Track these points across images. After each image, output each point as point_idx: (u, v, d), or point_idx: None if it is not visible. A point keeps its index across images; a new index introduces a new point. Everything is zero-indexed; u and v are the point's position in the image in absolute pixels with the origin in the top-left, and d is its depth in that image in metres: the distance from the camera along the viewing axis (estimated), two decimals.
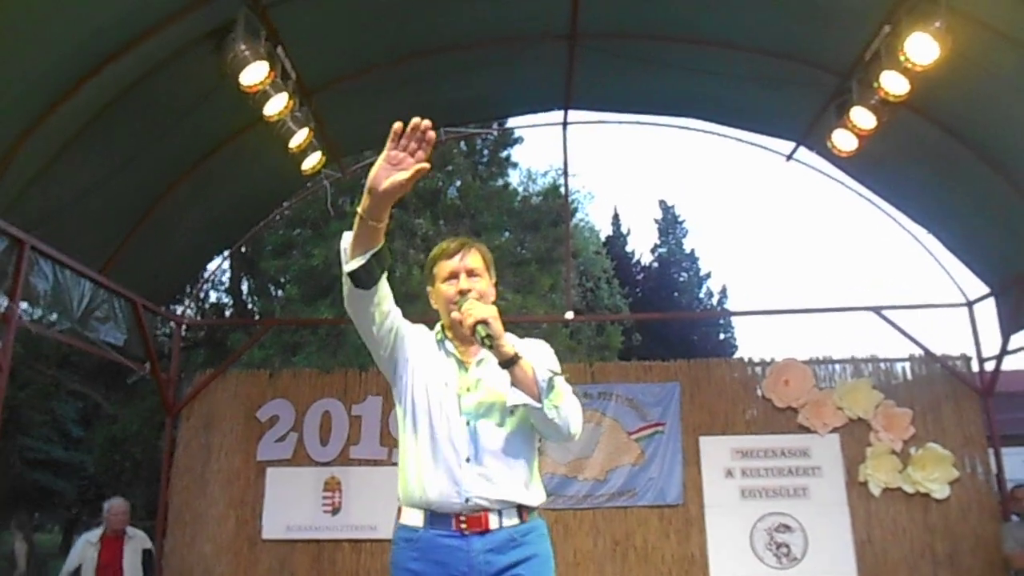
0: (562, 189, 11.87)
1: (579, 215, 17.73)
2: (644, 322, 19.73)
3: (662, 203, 28.88)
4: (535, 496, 2.14)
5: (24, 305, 7.77)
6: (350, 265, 1.95)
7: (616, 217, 27.53)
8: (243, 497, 6.70)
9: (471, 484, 2.03)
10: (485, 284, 2.22)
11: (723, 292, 27.53)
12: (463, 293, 2.16)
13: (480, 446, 2.07)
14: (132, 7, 4.27)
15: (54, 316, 5.76)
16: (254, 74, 4.66)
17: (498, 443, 2.08)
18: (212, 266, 9.00)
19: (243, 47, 4.54)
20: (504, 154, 13.79)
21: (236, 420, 6.89)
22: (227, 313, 14.86)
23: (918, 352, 6.83)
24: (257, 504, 6.66)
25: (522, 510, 2.09)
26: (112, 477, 15.31)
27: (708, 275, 27.71)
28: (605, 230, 25.40)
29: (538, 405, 2.00)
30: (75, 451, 18.43)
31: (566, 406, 2.04)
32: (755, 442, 6.61)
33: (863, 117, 5.35)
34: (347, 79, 5.92)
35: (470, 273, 2.20)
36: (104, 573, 5.68)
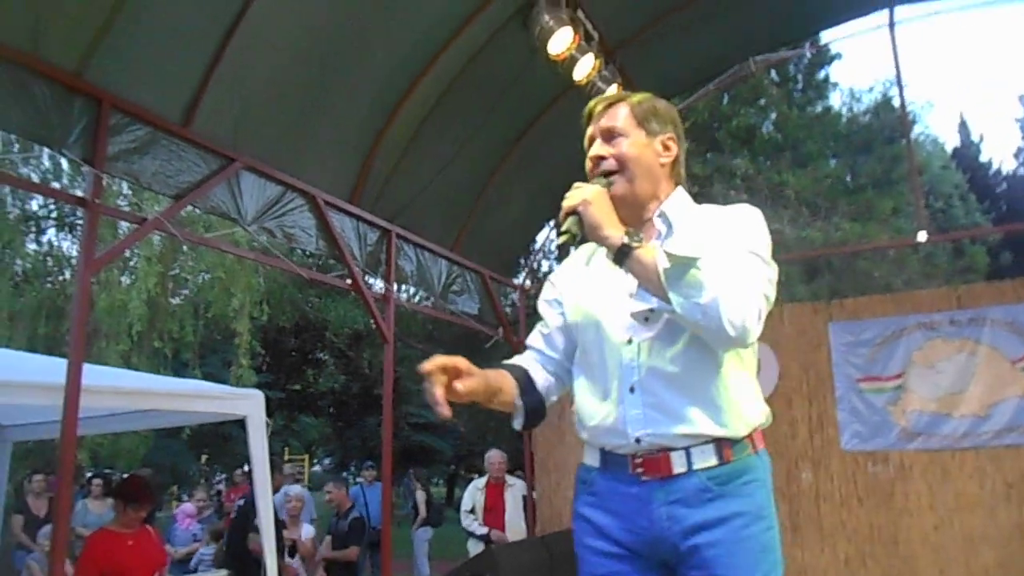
0: (895, 101, 10.68)
1: (917, 128, 15.77)
2: (1015, 238, 16.99)
3: (1022, 99, 24.58)
4: (739, 423, 1.59)
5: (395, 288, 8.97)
6: (517, 423, 1.81)
7: (963, 124, 24.09)
8: None
9: (639, 419, 1.59)
10: (630, 145, 1.69)
11: None
12: (596, 163, 1.71)
13: (647, 368, 1.60)
14: (448, 3, 4.68)
15: (418, 294, 6.57)
16: (560, 41, 4.85)
17: (670, 361, 1.59)
18: (541, 237, 9.58)
19: (547, 18, 4.76)
20: (821, 75, 12.74)
21: None
22: None
23: None
24: None
25: (723, 446, 1.57)
26: (480, 436, 17.21)
27: None
28: (952, 141, 22.35)
29: (668, 306, 1.50)
30: None
31: (710, 294, 1.44)
32: None
33: None
34: (647, 28, 5.89)
35: (608, 135, 1.72)
36: (491, 514, 6.51)
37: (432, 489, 22.81)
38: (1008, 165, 23.83)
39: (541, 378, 1.80)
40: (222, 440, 17.66)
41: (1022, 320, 5.85)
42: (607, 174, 1.69)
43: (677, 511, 1.56)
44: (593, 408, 1.67)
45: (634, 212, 1.69)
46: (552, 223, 8.79)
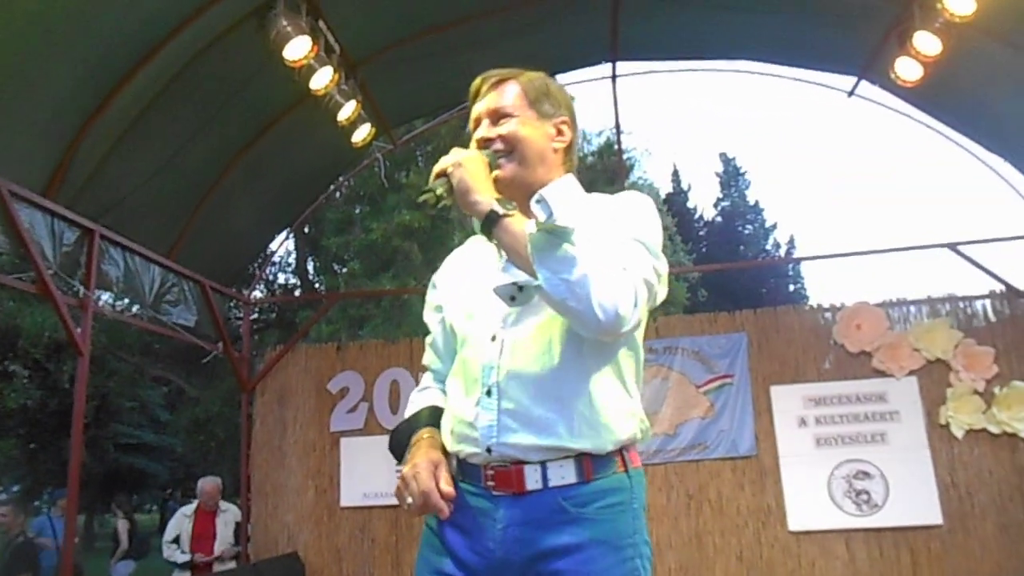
0: (616, 146, 11.72)
1: (637, 172, 17.50)
2: (710, 277, 19.43)
3: (723, 155, 28.38)
4: (605, 437, 1.40)
5: (106, 296, 8.09)
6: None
7: (676, 173, 27.15)
8: (320, 467, 6.90)
9: (491, 427, 1.41)
10: (520, 126, 1.53)
11: (791, 243, 27.01)
12: (483, 146, 1.54)
13: (507, 370, 1.42)
14: None
15: (127, 302, 5.97)
16: (297, 49, 4.70)
17: (534, 362, 1.41)
18: (280, 249, 9.22)
19: (285, 23, 4.59)
20: None
21: (308, 394, 7.08)
22: (296, 293, 15.24)
23: (999, 288, 6.52)
24: (334, 473, 6.85)
25: (584, 462, 1.39)
26: (199, 457, 16.05)
27: (774, 226, 27.22)
28: (665, 187, 25.06)
29: (534, 281, 1.32)
30: (164, 434, 19.35)
31: (580, 271, 1.28)
32: (828, 389, 6.44)
33: (927, 43, 5.07)
34: (390, 49, 5.91)
35: (495, 116, 1.56)
36: (198, 542, 6.05)
37: (145, 517, 20.86)
38: (709, 213, 27.28)
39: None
40: None
41: (706, 350, 6.66)
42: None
43: (527, 534, 1.37)
44: (451, 411, 1.51)
45: (520, 199, 1.45)
46: (287, 233, 8.49)
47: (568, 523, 1.36)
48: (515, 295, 1.38)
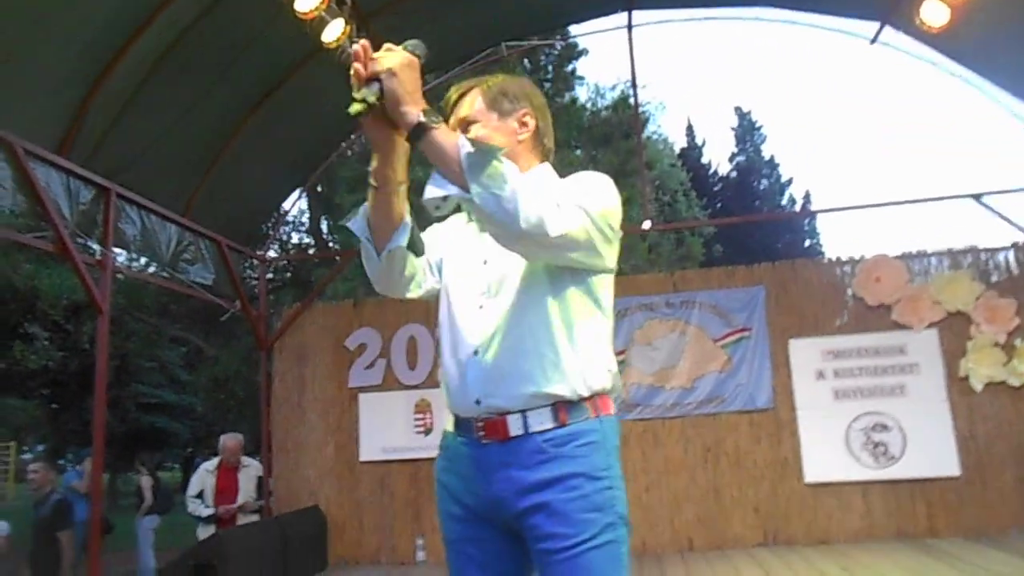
0: (631, 100, 11.55)
1: (651, 127, 17.25)
2: (726, 232, 19.27)
3: (738, 110, 27.87)
4: (577, 385, 1.57)
5: (122, 257, 8.12)
6: (370, 266, 1.68)
7: (690, 128, 26.76)
8: (339, 423, 6.97)
9: (478, 382, 1.60)
10: (481, 130, 1.68)
11: (807, 197, 26.61)
12: None
13: (491, 332, 1.61)
14: None
15: (144, 262, 5.98)
16: (308, 0, 4.62)
17: (515, 324, 1.60)
18: (293, 208, 9.16)
19: None
20: (569, 68, 13.45)
21: (326, 350, 7.12)
22: (310, 252, 15.25)
23: (1023, 239, 6.42)
24: (353, 429, 6.92)
25: (559, 409, 1.56)
26: (219, 415, 16.23)
27: (790, 181, 26.82)
28: (680, 142, 24.72)
29: (464, 194, 1.40)
30: (184, 394, 19.56)
31: (511, 188, 1.38)
32: (847, 342, 6.41)
33: None
34: (403, 1, 5.80)
35: (464, 125, 1.69)
36: (222, 496, 6.13)
37: (167, 475, 21.23)
38: (724, 168, 26.95)
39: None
40: None
41: (724, 304, 6.62)
42: None
43: (513, 473, 1.57)
44: (446, 372, 1.69)
45: None
46: (300, 192, 8.45)
47: (548, 461, 1.54)
48: (440, 205, 1.47)
